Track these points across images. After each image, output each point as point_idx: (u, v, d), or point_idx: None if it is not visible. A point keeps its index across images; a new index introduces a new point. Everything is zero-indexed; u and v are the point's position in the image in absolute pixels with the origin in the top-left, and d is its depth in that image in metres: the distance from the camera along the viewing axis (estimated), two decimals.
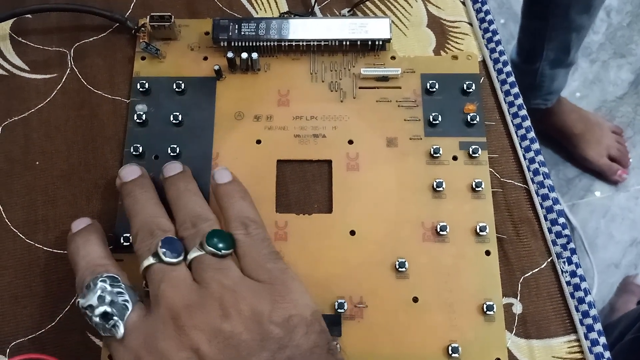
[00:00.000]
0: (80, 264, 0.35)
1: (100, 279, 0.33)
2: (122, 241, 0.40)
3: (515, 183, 0.41)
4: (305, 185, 0.42)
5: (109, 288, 0.33)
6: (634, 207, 1.27)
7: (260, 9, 0.47)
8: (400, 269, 0.39)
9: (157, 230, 0.35)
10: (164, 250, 0.33)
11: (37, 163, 0.42)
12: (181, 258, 0.34)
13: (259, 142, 0.42)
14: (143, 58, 0.45)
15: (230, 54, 0.43)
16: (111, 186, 0.42)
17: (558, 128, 1.26)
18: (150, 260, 0.33)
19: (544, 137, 1.31)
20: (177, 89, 0.43)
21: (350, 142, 0.42)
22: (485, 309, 0.38)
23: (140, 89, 0.43)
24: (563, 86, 1.16)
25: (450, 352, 0.37)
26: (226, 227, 0.36)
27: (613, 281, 1.22)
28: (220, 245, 0.33)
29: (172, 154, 0.41)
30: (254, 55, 0.43)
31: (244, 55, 0.42)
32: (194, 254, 0.34)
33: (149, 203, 0.37)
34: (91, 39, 0.46)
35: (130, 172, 0.38)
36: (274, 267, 0.34)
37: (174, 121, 0.42)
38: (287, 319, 0.32)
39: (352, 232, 0.40)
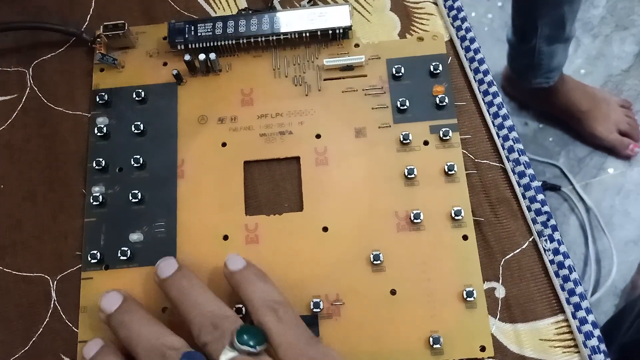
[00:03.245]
0: None
1: None
2: (89, 259, 0.38)
3: (491, 163, 0.40)
4: (274, 184, 0.40)
5: None
6: None
7: (219, 8, 0.45)
8: (375, 262, 0.37)
9: (167, 351, 0.31)
10: None
11: (1, 187, 0.41)
12: None
13: (224, 144, 0.41)
14: (102, 70, 0.44)
15: (187, 57, 0.41)
16: (77, 204, 0.41)
17: (564, 107, 1.24)
18: None
19: (550, 118, 1.29)
20: (137, 98, 0.42)
21: (318, 136, 0.41)
22: (465, 296, 0.36)
23: (100, 102, 0.42)
24: (563, 63, 1.14)
25: (431, 343, 0.36)
26: (253, 316, 0.33)
27: (633, 259, 1.19)
28: (252, 342, 0.31)
29: (135, 165, 0.40)
30: (212, 55, 0.41)
31: (202, 56, 0.41)
32: (226, 356, 0.31)
33: (145, 325, 0.33)
34: (49, 56, 0.45)
35: (109, 301, 0.35)
36: (317, 353, 0.31)
37: (135, 131, 0.41)
38: None
39: (325, 229, 0.39)
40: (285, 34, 0.42)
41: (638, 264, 1.18)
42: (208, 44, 0.42)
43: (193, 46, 0.42)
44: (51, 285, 0.39)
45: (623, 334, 0.85)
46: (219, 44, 0.42)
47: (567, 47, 1.10)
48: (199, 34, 0.42)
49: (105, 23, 0.42)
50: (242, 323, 0.32)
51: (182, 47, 0.42)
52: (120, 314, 0.34)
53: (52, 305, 0.39)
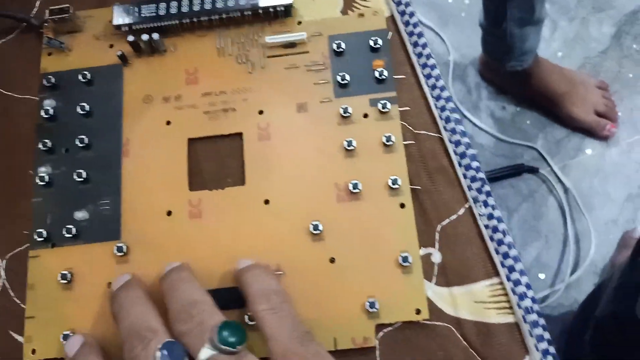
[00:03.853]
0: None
1: None
2: (36, 237, 0.39)
3: (429, 133, 0.41)
4: (217, 160, 0.41)
5: None
6: (626, 162, 1.25)
7: None
8: (314, 232, 0.38)
9: (146, 332, 0.30)
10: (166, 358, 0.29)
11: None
12: None
13: (168, 123, 0.42)
14: (50, 54, 0.44)
15: (130, 38, 0.42)
16: (27, 185, 0.41)
17: (541, 90, 1.24)
18: None
19: (528, 101, 1.30)
20: (83, 80, 0.43)
21: (261, 112, 0.42)
22: (401, 262, 0.37)
23: (47, 85, 0.43)
24: (536, 45, 1.15)
25: (368, 308, 0.36)
26: (249, 306, 0.33)
27: (612, 238, 1.20)
28: (233, 339, 0.29)
29: (81, 145, 0.41)
30: (155, 35, 0.42)
31: (145, 37, 0.42)
32: (204, 354, 0.29)
33: (135, 305, 0.33)
34: (0, 42, 0.45)
35: (117, 281, 0.35)
36: (306, 351, 0.30)
37: (81, 112, 0.42)
38: None
39: (267, 202, 0.40)
40: (227, 12, 0.43)
41: (617, 244, 1.19)
42: (152, 25, 0.43)
43: (137, 28, 0.43)
44: (0, 264, 0.40)
45: (598, 311, 0.86)
46: (163, 24, 0.43)
47: (539, 30, 1.11)
48: (142, 15, 0.43)
49: (51, 7, 0.43)
50: (223, 317, 0.31)
51: (127, 29, 0.43)
52: (119, 290, 0.35)
53: (1, 284, 0.40)
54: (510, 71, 1.20)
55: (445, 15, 1.39)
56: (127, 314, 0.33)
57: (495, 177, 1.26)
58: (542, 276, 1.19)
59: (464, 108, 1.31)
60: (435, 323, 0.37)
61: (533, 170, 1.26)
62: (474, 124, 1.30)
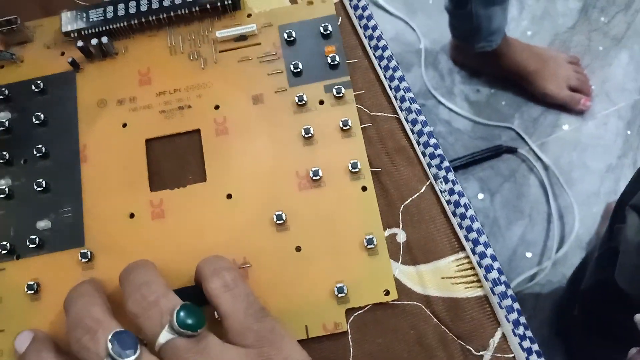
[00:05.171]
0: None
1: None
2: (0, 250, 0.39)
3: (386, 114, 0.40)
4: (177, 159, 0.41)
5: None
6: (603, 134, 1.26)
7: None
8: (278, 222, 0.38)
9: (89, 322, 0.30)
10: (118, 350, 0.28)
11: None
12: (139, 352, 0.28)
13: (125, 125, 0.42)
14: (2, 66, 0.44)
15: (80, 43, 0.42)
16: None
17: (512, 69, 1.25)
18: None
19: (501, 82, 1.30)
20: (36, 90, 0.42)
21: (217, 107, 0.41)
22: (366, 244, 0.37)
23: (1, 97, 0.42)
24: (504, 25, 1.15)
25: (337, 293, 0.36)
26: (204, 287, 0.33)
27: (596, 211, 1.20)
28: (191, 321, 0.29)
29: (38, 154, 0.41)
30: (104, 39, 0.42)
31: (94, 41, 0.42)
32: (163, 338, 0.29)
33: (80, 296, 0.32)
34: None
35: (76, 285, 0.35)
36: (261, 327, 0.31)
37: (36, 122, 0.42)
38: None
39: (229, 196, 0.39)
40: (175, 10, 0.42)
41: (600, 216, 1.20)
42: (101, 29, 0.43)
43: (87, 33, 0.43)
44: None
45: (583, 283, 0.87)
46: (113, 27, 0.43)
47: (505, 9, 1.11)
48: (90, 20, 0.42)
49: None
50: (177, 298, 0.31)
51: (76, 34, 0.43)
52: (71, 291, 0.34)
53: None
54: (480, 53, 1.20)
55: (413, 3, 1.39)
56: (72, 307, 0.32)
57: (474, 160, 1.26)
58: (528, 255, 1.20)
59: (438, 94, 1.31)
60: (405, 302, 0.37)
61: (512, 151, 1.26)
62: (450, 109, 1.30)
